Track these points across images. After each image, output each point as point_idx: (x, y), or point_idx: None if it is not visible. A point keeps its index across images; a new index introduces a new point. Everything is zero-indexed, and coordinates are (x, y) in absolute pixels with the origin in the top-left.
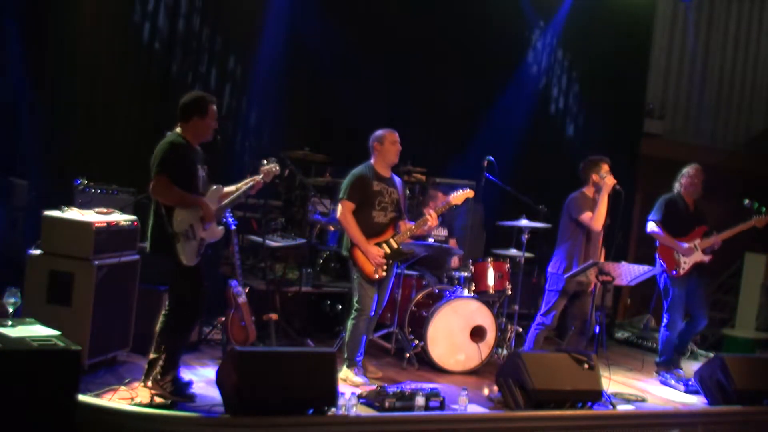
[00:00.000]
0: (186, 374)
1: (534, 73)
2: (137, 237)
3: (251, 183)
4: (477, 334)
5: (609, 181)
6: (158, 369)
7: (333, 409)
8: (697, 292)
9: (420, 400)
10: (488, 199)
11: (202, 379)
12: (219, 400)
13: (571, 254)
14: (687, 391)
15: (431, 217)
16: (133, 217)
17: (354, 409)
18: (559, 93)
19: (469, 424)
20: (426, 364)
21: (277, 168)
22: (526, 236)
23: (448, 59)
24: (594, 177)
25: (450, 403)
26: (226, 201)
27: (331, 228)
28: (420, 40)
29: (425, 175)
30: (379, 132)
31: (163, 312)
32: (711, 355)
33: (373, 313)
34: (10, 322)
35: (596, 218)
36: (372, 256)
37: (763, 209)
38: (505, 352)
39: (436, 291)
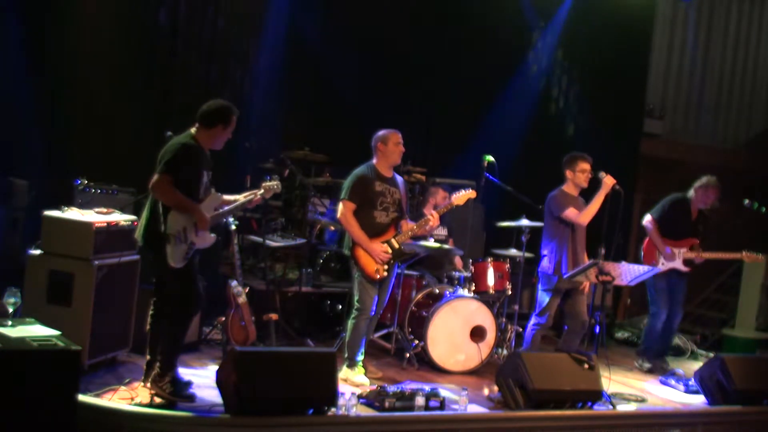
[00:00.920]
0: (186, 374)
1: (534, 73)
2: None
3: (251, 197)
4: (477, 334)
5: (608, 180)
6: (156, 370)
7: (333, 409)
8: (678, 286)
9: (420, 400)
10: (488, 199)
11: (202, 379)
12: (219, 400)
13: (559, 252)
14: (687, 391)
15: (433, 217)
16: (133, 217)
17: (354, 409)
18: (559, 93)
19: (469, 424)
20: (426, 364)
21: (279, 186)
22: (526, 236)
23: (448, 59)
24: (568, 173)
25: (450, 403)
26: (223, 210)
27: (332, 228)
28: (420, 40)
29: (425, 175)
30: (382, 132)
31: (150, 312)
32: (711, 355)
33: (373, 313)
34: (10, 322)
35: (585, 214)
36: (376, 253)
37: (763, 209)
38: (505, 352)
39: (436, 291)
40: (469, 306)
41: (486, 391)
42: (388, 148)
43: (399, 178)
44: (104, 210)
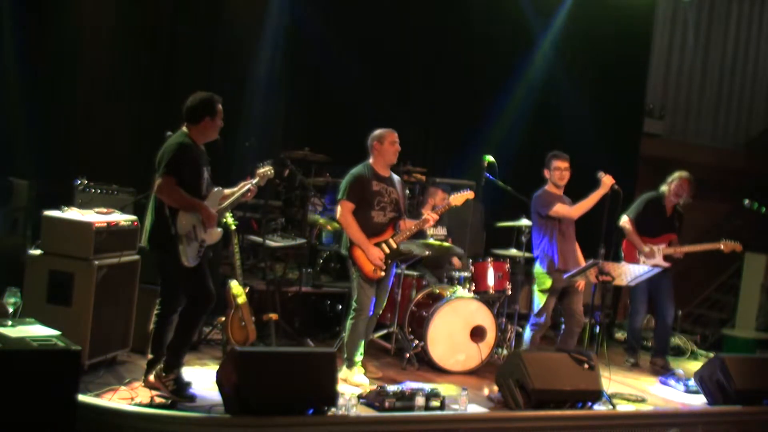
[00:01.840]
0: (186, 374)
1: (534, 73)
2: (137, 237)
3: (248, 186)
4: (477, 334)
5: (607, 180)
6: (161, 365)
7: (333, 409)
8: (661, 283)
9: (420, 400)
10: (488, 199)
11: (202, 379)
12: (219, 400)
13: (549, 251)
14: (687, 391)
15: (431, 218)
16: (133, 217)
17: (354, 409)
18: (559, 93)
19: (469, 424)
20: (426, 364)
21: (272, 171)
22: (526, 236)
23: (448, 59)
24: (546, 172)
25: (450, 403)
26: (224, 204)
27: (329, 227)
28: (420, 39)
29: (425, 175)
30: (378, 131)
31: (156, 312)
32: (711, 355)
33: (371, 313)
34: (10, 322)
35: (577, 208)
36: (372, 258)
37: (763, 209)
38: (505, 352)
39: (436, 291)
40: (469, 306)
41: (486, 391)
42: (384, 147)
43: (396, 178)
44: (104, 210)
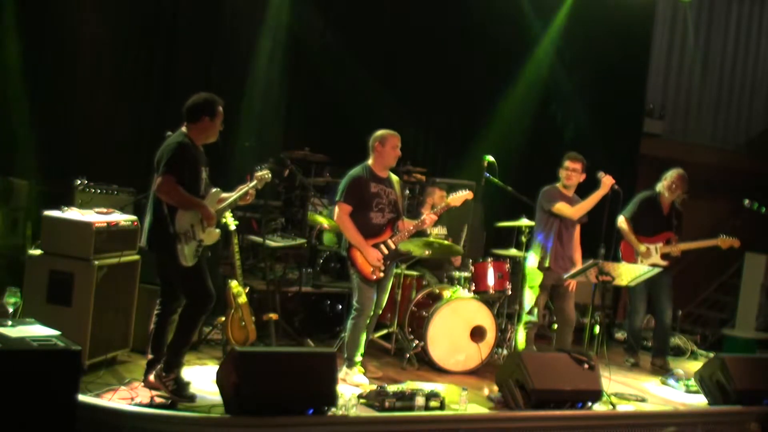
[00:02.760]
0: (186, 374)
1: (534, 73)
2: (137, 237)
3: (246, 189)
4: (477, 334)
5: (607, 180)
6: (161, 365)
7: (333, 409)
8: (660, 283)
9: (420, 400)
10: (488, 199)
11: (202, 379)
12: (219, 400)
13: (544, 247)
14: (687, 391)
15: (429, 218)
16: (133, 217)
17: (354, 409)
18: (559, 93)
19: (469, 424)
20: (426, 364)
21: (269, 176)
22: (526, 236)
23: (448, 59)
24: (560, 171)
25: (450, 403)
26: (223, 205)
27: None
28: (420, 40)
29: (425, 175)
30: (381, 133)
31: (156, 312)
32: (711, 355)
33: (372, 313)
34: (10, 322)
35: (578, 208)
36: (371, 258)
37: (763, 209)
38: (505, 352)
39: (436, 291)
40: (469, 306)
41: (486, 391)
42: (385, 149)
43: (395, 178)
44: (104, 210)
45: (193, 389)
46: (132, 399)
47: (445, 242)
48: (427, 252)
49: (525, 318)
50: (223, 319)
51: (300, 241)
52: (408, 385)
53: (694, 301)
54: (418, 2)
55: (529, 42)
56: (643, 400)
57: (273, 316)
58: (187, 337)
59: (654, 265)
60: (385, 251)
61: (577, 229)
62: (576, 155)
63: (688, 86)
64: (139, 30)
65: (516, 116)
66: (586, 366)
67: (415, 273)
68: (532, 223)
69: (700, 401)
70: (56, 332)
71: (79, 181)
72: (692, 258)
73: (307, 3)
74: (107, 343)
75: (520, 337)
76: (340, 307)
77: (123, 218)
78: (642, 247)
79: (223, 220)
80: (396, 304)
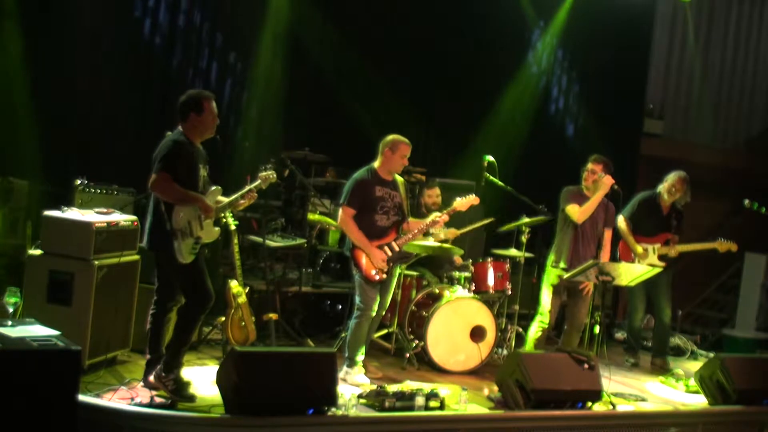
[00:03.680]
0: (186, 374)
1: (534, 73)
2: (137, 237)
3: (248, 189)
4: (477, 334)
5: (607, 180)
6: (161, 365)
7: (333, 409)
8: (658, 283)
9: (420, 400)
10: (488, 199)
11: (202, 379)
12: (219, 400)
13: (560, 248)
14: (687, 391)
15: (442, 220)
16: (133, 217)
17: (354, 409)
18: (559, 93)
19: (469, 424)
20: (426, 364)
21: (275, 176)
22: (526, 236)
23: (448, 59)
24: (584, 173)
25: (450, 403)
26: (224, 202)
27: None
28: (420, 40)
29: (425, 175)
30: (394, 139)
31: (151, 311)
32: (711, 355)
33: (374, 314)
34: (10, 322)
35: (581, 212)
36: (376, 260)
37: (763, 209)
38: (505, 352)
39: (436, 291)
40: (469, 306)
41: (486, 391)
42: (395, 157)
43: (399, 179)
44: (104, 210)
45: (193, 389)
46: (132, 399)
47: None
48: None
49: (538, 317)
50: (223, 319)
51: (300, 241)
52: (408, 385)
53: (694, 301)
54: (419, 2)
55: (529, 42)
56: (643, 400)
57: (273, 316)
58: (186, 337)
59: (651, 266)
60: (389, 253)
61: (607, 232)
62: (598, 157)
63: (688, 86)
64: (140, 30)
65: (516, 116)
66: (586, 366)
67: (415, 273)
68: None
69: (700, 401)
70: (56, 332)
71: (79, 181)
72: (692, 258)
73: (307, 2)
74: (107, 343)
75: (532, 332)
76: (340, 307)
77: (123, 218)
78: (639, 248)
79: (223, 220)
80: (396, 304)
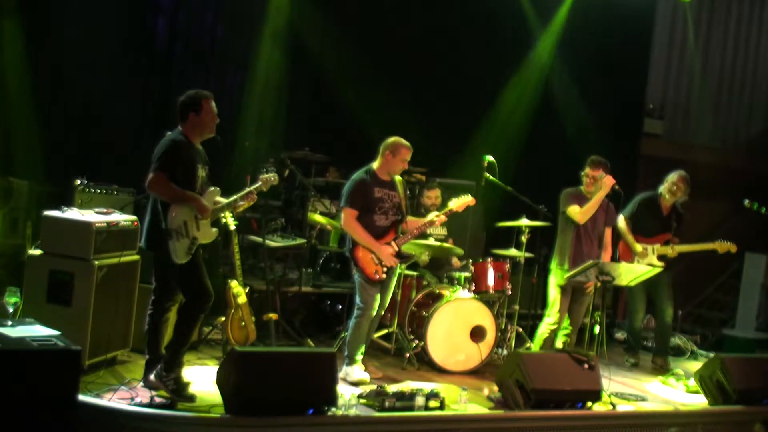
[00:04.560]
0: (186, 374)
1: (534, 72)
2: (137, 237)
3: (248, 190)
4: (477, 334)
5: (608, 181)
6: (162, 365)
7: (333, 409)
8: (659, 283)
9: (420, 400)
10: (488, 199)
11: (202, 379)
12: (219, 400)
13: (562, 249)
14: (687, 391)
15: (439, 219)
16: (133, 217)
17: (354, 409)
18: (559, 93)
19: (469, 424)
20: (426, 364)
21: (276, 178)
22: (526, 236)
23: (448, 59)
24: (584, 178)
25: (450, 403)
26: (223, 203)
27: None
28: (420, 40)
29: (425, 175)
30: (395, 141)
31: (149, 312)
32: (711, 355)
33: (375, 314)
34: (10, 322)
35: (582, 213)
36: (385, 255)
37: (763, 209)
38: (505, 352)
39: (436, 291)
40: (469, 306)
41: (486, 391)
42: (395, 160)
43: (397, 179)
44: (104, 210)
45: (193, 389)
46: (132, 399)
47: (445, 245)
48: (426, 255)
49: (546, 317)
50: (223, 319)
51: (300, 241)
52: (408, 386)
53: (694, 301)
54: (419, 2)
55: (529, 41)
56: (643, 400)
57: (273, 316)
58: (186, 336)
59: (651, 266)
60: (396, 248)
61: (608, 231)
62: (597, 160)
63: (688, 86)
64: (140, 30)
65: (516, 116)
66: (586, 366)
67: (415, 273)
68: (531, 223)
69: (700, 401)
70: (56, 332)
71: (79, 181)
72: (692, 258)
73: (307, 2)
74: (107, 343)
75: (540, 330)
76: (340, 307)
77: (123, 218)
78: (638, 248)
79: (223, 220)
80: (396, 304)
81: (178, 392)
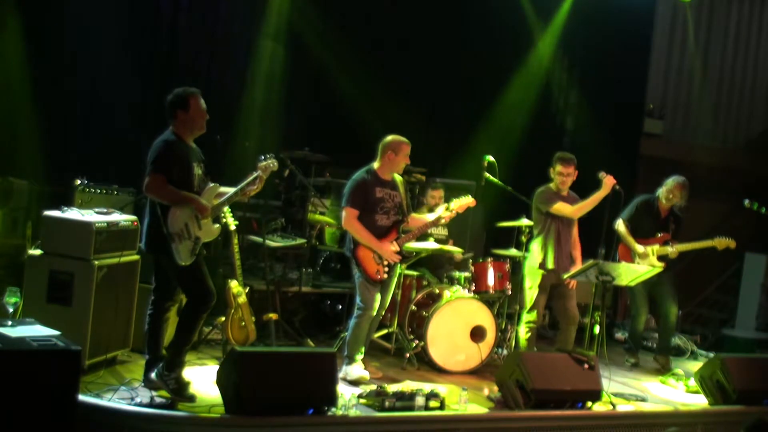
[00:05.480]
0: (186, 374)
1: (534, 73)
2: (137, 237)
3: (250, 179)
4: (477, 334)
5: (608, 181)
6: (163, 364)
7: (333, 409)
8: (660, 284)
9: (420, 400)
10: (488, 199)
11: (202, 379)
12: (219, 400)
13: (544, 247)
14: (687, 391)
15: (446, 218)
16: (133, 217)
17: (354, 409)
18: (559, 93)
19: (469, 424)
20: (426, 364)
21: (275, 163)
22: (526, 236)
23: (448, 59)
24: (550, 171)
25: (450, 403)
26: (223, 198)
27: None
28: (420, 39)
29: (425, 175)
30: (395, 140)
31: (149, 312)
32: (711, 355)
33: (375, 313)
34: (10, 322)
35: (578, 208)
36: (388, 254)
37: (763, 209)
38: (505, 352)
39: (436, 291)
40: (469, 306)
41: (486, 391)
42: (398, 158)
43: (398, 179)
44: (104, 210)
45: (193, 389)
46: (132, 399)
47: (445, 247)
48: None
49: (525, 318)
50: (223, 319)
51: (300, 241)
52: (408, 385)
53: (694, 301)
54: (418, 2)
55: (529, 42)
56: (643, 400)
57: (273, 316)
58: (188, 336)
59: (651, 267)
60: (398, 247)
61: (575, 226)
62: (567, 157)
63: (688, 86)
64: (140, 30)
65: (516, 116)
66: (586, 366)
67: (415, 273)
68: (531, 223)
69: (700, 401)
70: (56, 332)
71: (79, 181)
72: (692, 258)
73: (307, 2)
74: (107, 343)
75: (522, 333)
76: (340, 307)
77: (123, 218)
78: (640, 249)
79: (223, 220)
80: (396, 304)
81: (179, 392)
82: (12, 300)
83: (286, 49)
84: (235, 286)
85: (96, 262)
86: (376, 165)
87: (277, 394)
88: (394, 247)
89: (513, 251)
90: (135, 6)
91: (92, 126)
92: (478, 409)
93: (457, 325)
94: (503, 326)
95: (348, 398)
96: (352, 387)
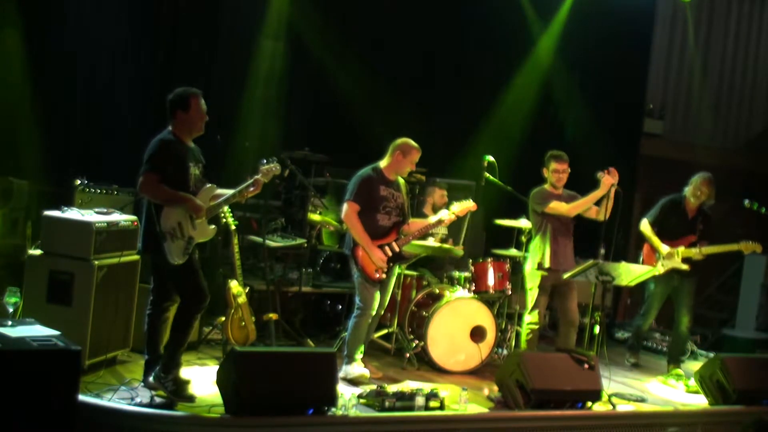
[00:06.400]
0: (185, 374)
1: (534, 72)
2: (137, 237)
3: (250, 182)
4: (477, 334)
5: (606, 180)
6: (160, 366)
7: (333, 409)
8: (680, 288)
9: (420, 400)
10: (488, 199)
11: (202, 379)
12: (219, 400)
13: (542, 248)
14: (687, 391)
15: (448, 219)
16: (133, 217)
17: (354, 409)
18: (559, 93)
19: (469, 424)
20: (426, 364)
21: (278, 167)
22: (526, 236)
23: (448, 59)
24: (544, 172)
25: (450, 403)
26: (221, 199)
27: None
28: (420, 39)
29: (425, 175)
30: (406, 143)
31: (147, 312)
32: (711, 355)
33: (374, 313)
34: (10, 322)
35: (574, 206)
36: (376, 259)
37: (763, 209)
38: (505, 352)
39: (436, 291)
40: (469, 306)
41: (486, 391)
42: (405, 161)
43: (401, 181)
44: (104, 210)
45: (193, 389)
46: (132, 399)
47: (445, 246)
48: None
49: (526, 319)
50: (223, 319)
51: (300, 241)
52: (408, 386)
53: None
54: (419, 2)
55: (529, 42)
56: (643, 400)
57: (273, 316)
58: (182, 337)
59: (675, 269)
60: (389, 253)
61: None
62: (560, 155)
63: (688, 86)
64: (140, 30)
65: (516, 116)
66: (586, 366)
67: (415, 273)
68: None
69: (700, 401)
70: (56, 332)
71: (79, 181)
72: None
73: (307, 2)
74: (107, 343)
75: (523, 333)
76: (340, 307)
77: (123, 218)
78: (664, 250)
79: (223, 220)
80: (396, 304)
81: (177, 393)
82: (12, 300)
83: (286, 48)
84: (235, 286)
85: (96, 262)
86: (382, 163)
87: (277, 394)
88: (388, 252)
89: (513, 251)
90: (135, 6)
91: (92, 126)
92: (478, 409)
93: (457, 325)
94: (503, 326)
95: (348, 398)
96: (352, 387)
